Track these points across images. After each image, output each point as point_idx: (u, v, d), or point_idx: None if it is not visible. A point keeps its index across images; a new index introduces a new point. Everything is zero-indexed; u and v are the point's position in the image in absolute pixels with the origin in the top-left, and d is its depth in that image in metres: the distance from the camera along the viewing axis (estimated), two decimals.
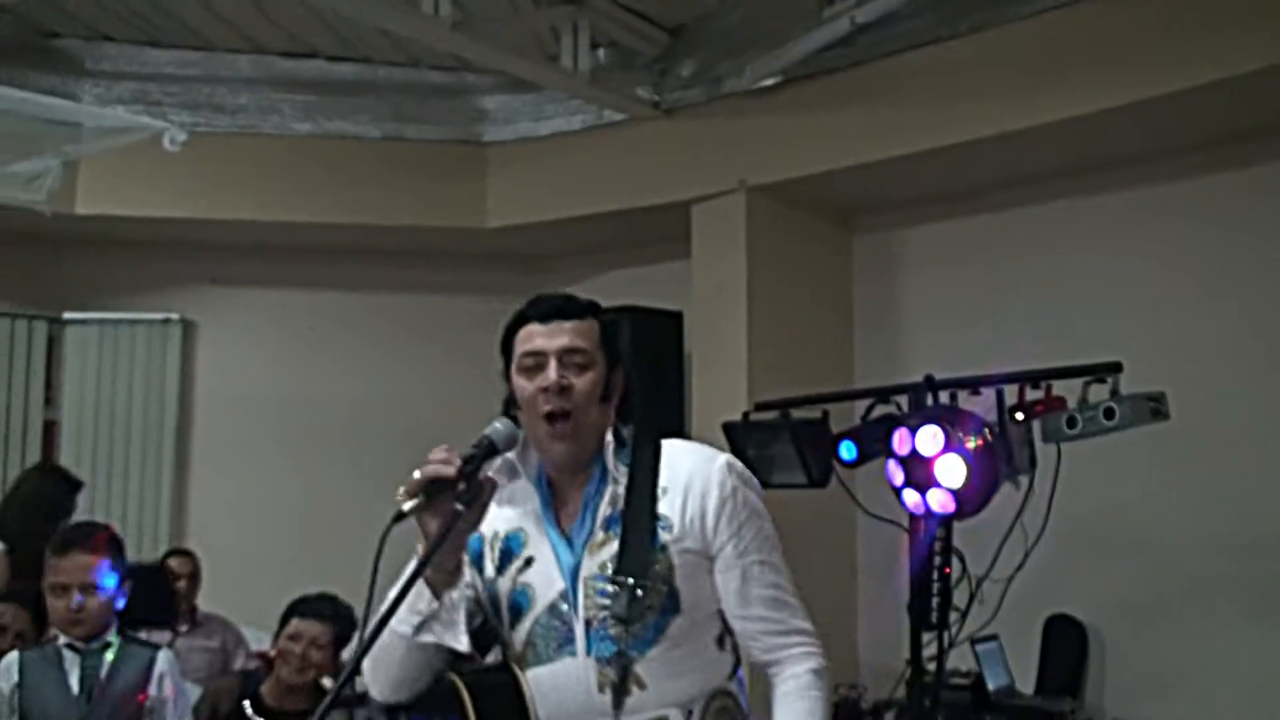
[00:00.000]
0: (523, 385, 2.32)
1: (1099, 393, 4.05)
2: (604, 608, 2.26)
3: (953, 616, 4.33)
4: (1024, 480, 4.25)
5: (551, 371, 2.29)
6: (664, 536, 2.30)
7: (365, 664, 2.14)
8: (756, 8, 5.71)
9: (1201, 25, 4.48)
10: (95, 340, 7.01)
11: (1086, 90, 4.77)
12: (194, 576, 5.82)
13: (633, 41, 6.15)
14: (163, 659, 3.58)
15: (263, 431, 7.13)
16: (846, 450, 4.51)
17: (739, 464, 2.43)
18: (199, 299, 7.23)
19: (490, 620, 2.40)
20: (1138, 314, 5.19)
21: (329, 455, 7.00)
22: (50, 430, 7.00)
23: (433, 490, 2.11)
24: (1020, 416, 4.22)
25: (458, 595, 2.24)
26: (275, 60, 6.66)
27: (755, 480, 2.46)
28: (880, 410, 4.59)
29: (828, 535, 5.89)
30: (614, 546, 2.29)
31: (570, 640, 2.28)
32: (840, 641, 6.05)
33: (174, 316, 7.11)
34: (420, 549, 2.18)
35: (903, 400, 4.54)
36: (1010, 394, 4.28)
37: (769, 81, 5.71)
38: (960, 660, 4.68)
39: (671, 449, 2.40)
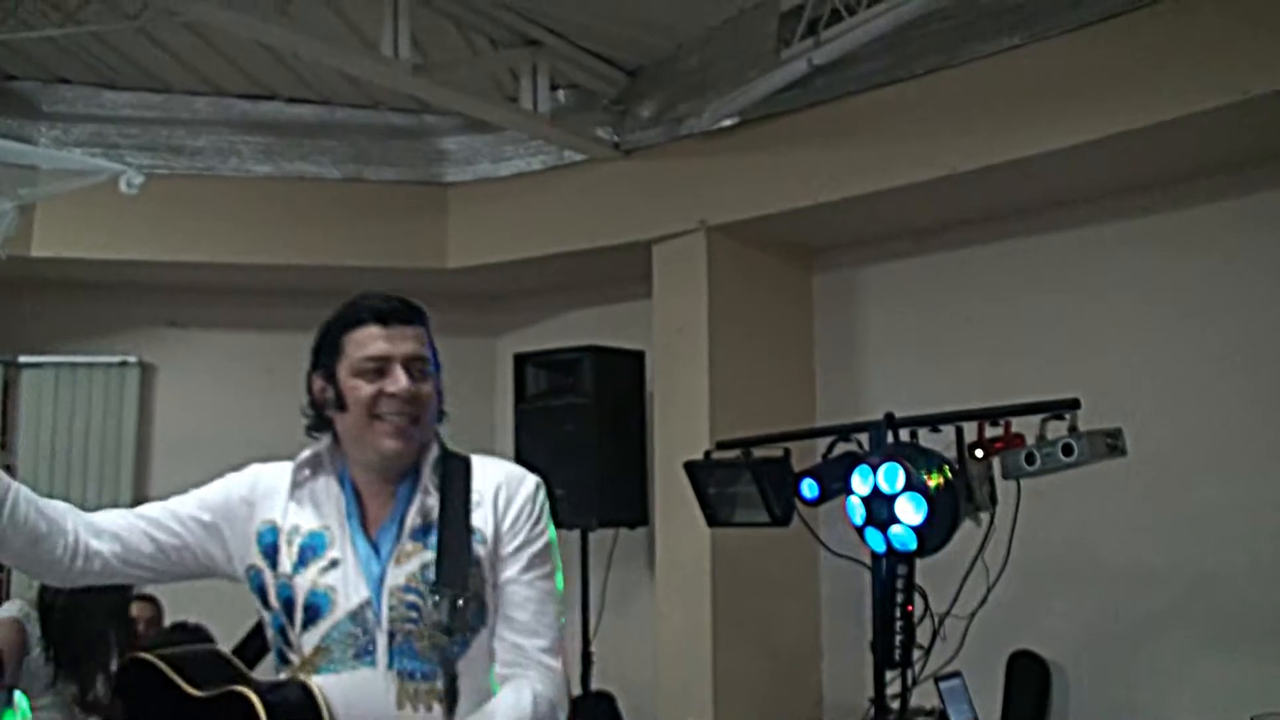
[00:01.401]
0: (358, 386, 2.28)
1: (1057, 429, 4.10)
2: (410, 619, 2.22)
3: (916, 654, 4.33)
4: (984, 517, 4.28)
5: (403, 378, 2.26)
6: (478, 550, 2.28)
7: None
8: (715, 50, 5.76)
9: (1157, 63, 4.54)
10: (52, 383, 6.92)
11: (1042, 129, 4.82)
12: (153, 622, 5.74)
13: (592, 83, 6.20)
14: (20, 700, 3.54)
15: (221, 474, 7.04)
16: (808, 488, 4.52)
17: (545, 490, 2.42)
18: (157, 342, 7.16)
19: (278, 616, 2.32)
20: (1096, 350, 5.24)
21: None
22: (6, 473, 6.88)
23: None
24: (980, 454, 4.26)
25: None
26: (234, 102, 6.64)
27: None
28: (841, 448, 4.62)
29: (791, 573, 5.90)
30: (423, 557, 2.26)
31: (370, 650, 2.22)
32: (804, 679, 6.05)
33: (131, 359, 7.03)
34: None
35: (864, 438, 4.57)
36: (970, 431, 4.32)
37: (728, 122, 5.76)
38: (924, 698, 4.67)
39: (482, 463, 2.39)
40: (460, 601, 2.20)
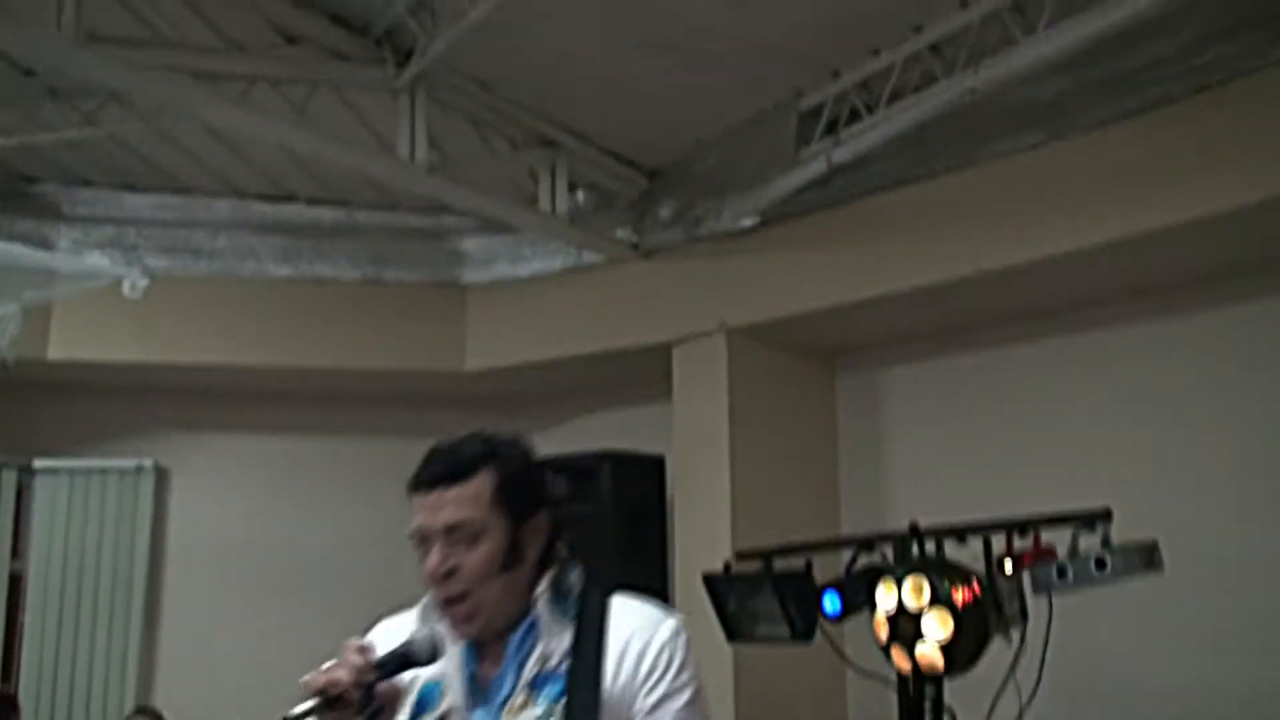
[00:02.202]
0: (420, 564, 2.13)
1: (1090, 541, 3.92)
2: None
3: None
4: (1015, 634, 4.09)
5: (433, 557, 2.09)
6: (607, 705, 2.08)
7: None
8: (733, 150, 5.68)
9: (1181, 162, 4.45)
10: (65, 488, 6.83)
11: (1065, 228, 4.72)
12: None
13: (611, 183, 6.14)
14: None
15: (236, 581, 6.93)
16: (830, 603, 4.35)
17: (687, 634, 2.22)
18: (173, 445, 7.08)
19: None
20: (1128, 456, 5.06)
21: (305, 606, 6.76)
22: (15, 584, 6.77)
23: (331, 699, 1.92)
24: (1009, 567, 4.07)
25: None
26: (253, 204, 6.62)
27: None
28: (864, 560, 4.45)
29: (815, 692, 5.68)
30: (535, 711, 2.07)
31: None
32: None
33: (146, 463, 6.93)
34: None
35: (888, 549, 4.40)
36: (998, 542, 4.14)
37: (747, 222, 5.68)
38: None
39: (621, 605, 2.19)
40: None
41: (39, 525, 6.81)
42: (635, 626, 2.15)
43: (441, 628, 2.09)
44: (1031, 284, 5.11)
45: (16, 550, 6.82)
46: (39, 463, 6.83)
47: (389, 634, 2.21)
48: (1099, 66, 4.56)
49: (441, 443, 2.19)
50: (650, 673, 2.11)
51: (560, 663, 2.11)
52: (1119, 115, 4.57)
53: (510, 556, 2.13)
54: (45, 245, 6.22)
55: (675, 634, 2.17)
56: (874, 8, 4.69)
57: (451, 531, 2.10)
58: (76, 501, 6.84)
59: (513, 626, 2.14)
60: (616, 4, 4.76)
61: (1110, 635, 4.77)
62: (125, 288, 4.45)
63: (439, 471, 2.14)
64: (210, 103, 4.93)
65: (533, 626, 2.13)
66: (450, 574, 2.08)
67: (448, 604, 2.09)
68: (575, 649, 2.11)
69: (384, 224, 6.74)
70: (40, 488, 6.84)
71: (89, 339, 6.35)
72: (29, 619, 6.68)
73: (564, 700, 2.07)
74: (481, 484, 2.13)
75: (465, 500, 2.11)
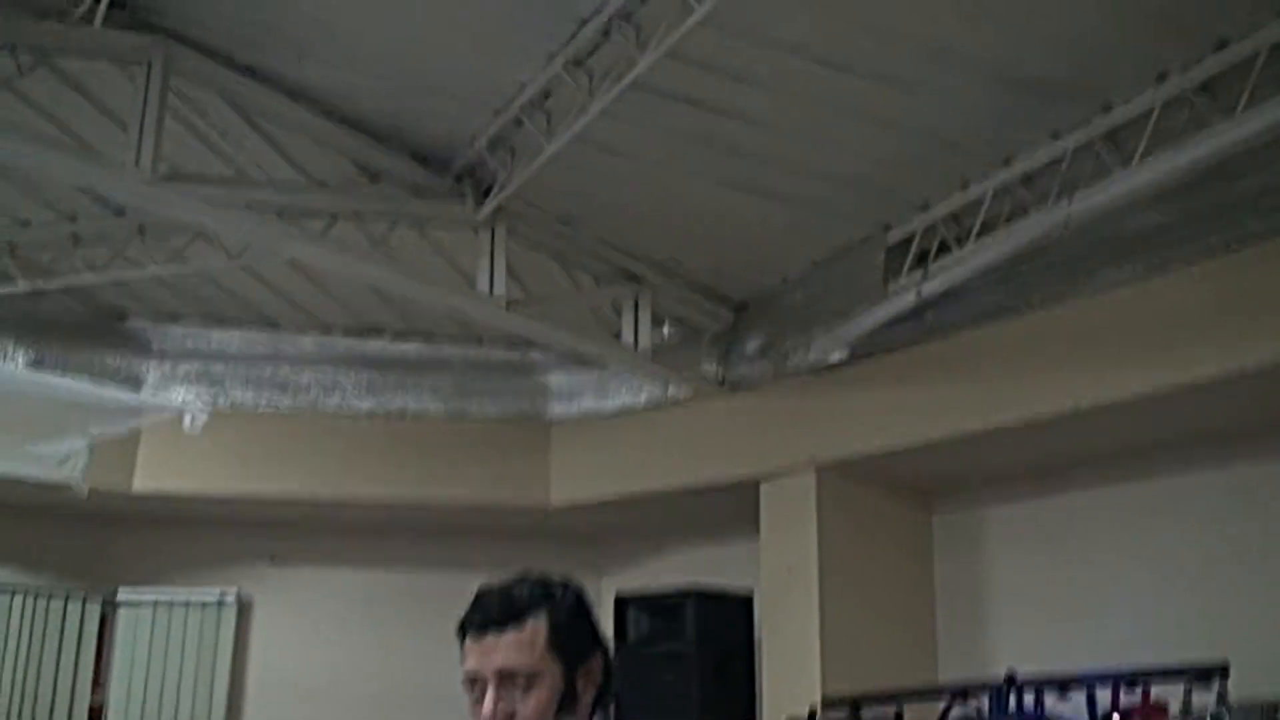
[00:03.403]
0: (470, 706, 2.02)
1: (1204, 698, 3.67)
2: None
3: None
4: None
5: (488, 704, 1.99)
6: None
7: None
8: (821, 283, 5.59)
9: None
10: (148, 619, 6.84)
11: (1167, 364, 4.55)
12: None
13: (696, 317, 6.07)
14: None
15: (316, 716, 6.82)
16: None
17: None
18: (256, 577, 7.07)
19: None
20: (1245, 606, 4.78)
21: None
22: (95, 715, 6.74)
23: None
24: None
25: None
26: (338, 338, 6.67)
27: None
28: (959, 710, 4.24)
29: None
30: None
31: None
32: None
33: (229, 596, 6.93)
34: None
35: (985, 699, 4.18)
36: (1103, 696, 3.91)
37: (836, 357, 5.54)
38: None
39: None
40: None
41: (120, 656, 6.82)
42: None
43: None
44: (1133, 421, 4.92)
45: (98, 680, 6.80)
46: (123, 593, 6.86)
47: None
48: (1200, 197, 4.42)
49: (492, 584, 2.11)
50: None
51: None
52: (1222, 247, 4.40)
53: (565, 702, 2.04)
54: (134, 380, 6.32)
55: None
56: (962, 139, 4.60)
57: (506, 677, 2.01)
58: (159, 632, 6.85)
59: None
60: (699, 139, 4.72)
61: None
62: (185, 422, 4.45)
63: (492, 615, 2.05)
64: (292, 239, 4.96)
65: None
66: None
67: None
68: None
69: (468, 358, 6.75)
70: (123, 618, 6.86)
71: (174, 471, 6.38)
72: None
73: None
74: (535, 629, 2.03)
75: (521, 645, 2.03)
